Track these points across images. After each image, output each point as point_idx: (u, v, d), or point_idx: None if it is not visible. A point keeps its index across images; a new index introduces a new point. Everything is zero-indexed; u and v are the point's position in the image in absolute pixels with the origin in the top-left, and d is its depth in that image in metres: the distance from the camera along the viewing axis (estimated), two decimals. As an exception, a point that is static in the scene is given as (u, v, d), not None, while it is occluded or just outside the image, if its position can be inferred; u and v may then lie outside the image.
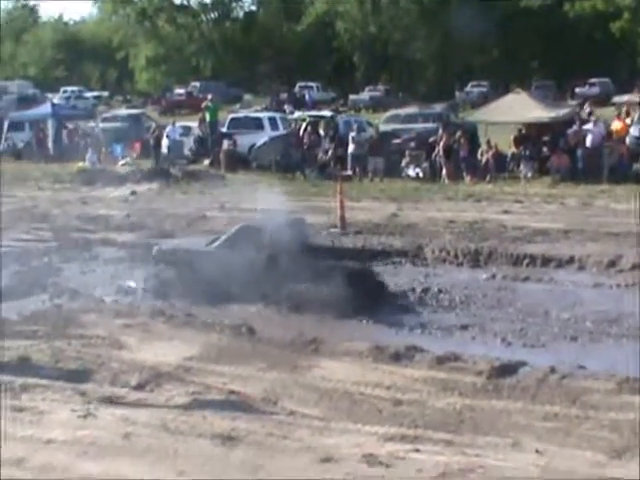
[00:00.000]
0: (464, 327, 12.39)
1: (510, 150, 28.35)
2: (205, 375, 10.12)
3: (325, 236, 18.33)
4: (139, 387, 9.72)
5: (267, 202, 20.70)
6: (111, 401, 9.26)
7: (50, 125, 38.51)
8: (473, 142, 28.90)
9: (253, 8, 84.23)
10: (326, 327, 12.33)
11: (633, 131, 27.43)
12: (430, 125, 31.47)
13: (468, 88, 60.23)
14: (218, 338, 11.61)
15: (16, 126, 39.31)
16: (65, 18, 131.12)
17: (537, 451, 7.85)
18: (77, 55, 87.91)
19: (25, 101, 54.22)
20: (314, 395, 9.43)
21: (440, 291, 14.36)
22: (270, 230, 13.86)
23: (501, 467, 7.53)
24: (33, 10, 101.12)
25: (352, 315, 12.92)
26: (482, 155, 28.17)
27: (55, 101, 53.20)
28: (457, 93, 58.73)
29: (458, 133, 28.41)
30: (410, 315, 13.16)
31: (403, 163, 28.71)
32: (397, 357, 10.66)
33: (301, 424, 8.61)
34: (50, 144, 37.93)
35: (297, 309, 13.09)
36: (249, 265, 13.21)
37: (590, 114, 32.54)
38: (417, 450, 7.88)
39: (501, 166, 27.96)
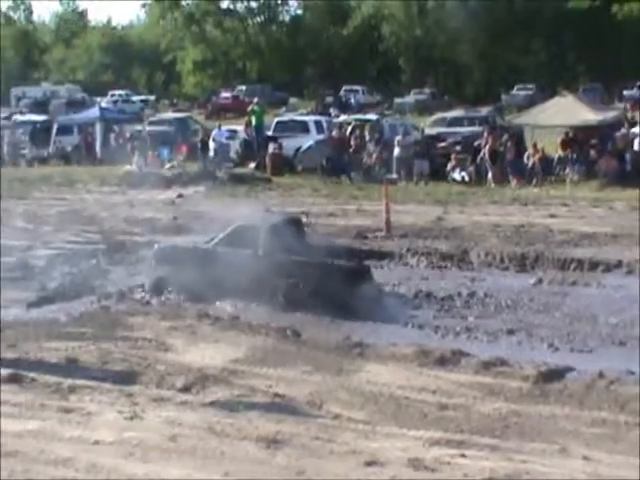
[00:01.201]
0: (510, 332, 12.27)
1: (557, 153, 28.15)
2: (250, 378, 10.15)
3: (370, 240, 18.37)
4: (185, 389, 9.77)
5: (312, 205, 20.74)
6: (157, 403, 9.33)
7: (98, 129, 39.01)
8: (519, 145, 28.76)
9: (299, 12, 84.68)
10: (371, 331, 12.33)
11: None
12: (476, 128, 31.42)
13: (514, 91, 59.91)
14: (264, 341, 11.65)
15: (65, 130, 39.84)
16: (113, 22, 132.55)
17: (584, 457, 7.77)
18: (125, 59, 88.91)
19: (74, 105, 54.94)
20: (359, 399, 9.41)
21: (486, 295, 14.27)
22: (265, 229, 14.02)
23: (547, 473, 7.46)
24: (82, 15, 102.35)
25: (392, 319, 12.93)
26: (528, 158, 28.02)
27: (103, 105, 53.77)
28: (503, 96, 58.38)
29: (504, 136, 28.32)
30: (456, 319, 13.08)
31: (449, 167, 28.65)
32: (442, 361, 10.61)
33: (346, 428, 8.59)
34: (98, 147, 38.40)
35: (285, 306, 13.28)
36: (240, 263, 13.36)
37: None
38: (463, 455, 7.84)
39: (547, 169, 27.77)
